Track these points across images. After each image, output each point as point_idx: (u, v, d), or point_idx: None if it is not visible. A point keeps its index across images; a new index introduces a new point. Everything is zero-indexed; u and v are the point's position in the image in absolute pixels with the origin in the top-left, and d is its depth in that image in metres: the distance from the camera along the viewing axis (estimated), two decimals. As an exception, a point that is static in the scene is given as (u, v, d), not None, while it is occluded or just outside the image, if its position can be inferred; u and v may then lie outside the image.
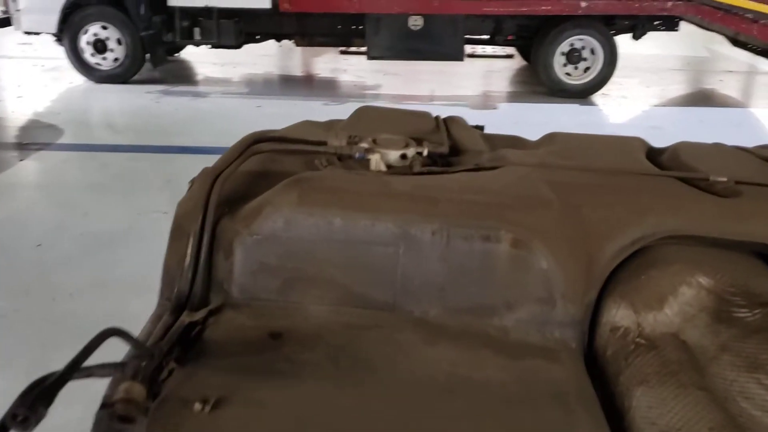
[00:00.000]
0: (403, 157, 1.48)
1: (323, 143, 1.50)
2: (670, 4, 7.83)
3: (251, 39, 8.74)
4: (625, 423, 1.02)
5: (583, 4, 7.83)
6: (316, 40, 8.89)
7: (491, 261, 1.18)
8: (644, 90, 9.04)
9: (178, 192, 5.17)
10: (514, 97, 8.78)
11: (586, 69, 8.23)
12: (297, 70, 10.55)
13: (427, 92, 8.77)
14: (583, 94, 8.32)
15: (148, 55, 8.22)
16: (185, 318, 1.14)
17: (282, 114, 7.26)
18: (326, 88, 9.26)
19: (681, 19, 8.22)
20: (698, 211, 1.30)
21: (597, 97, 8.40)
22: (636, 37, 8.49)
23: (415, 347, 1.12)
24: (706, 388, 1.02)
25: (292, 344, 1.12)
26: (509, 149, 1.56)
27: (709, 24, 8.28)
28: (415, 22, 7.93)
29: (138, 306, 3.58)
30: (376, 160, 1.44)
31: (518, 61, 10.25)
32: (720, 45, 9.97)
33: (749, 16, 7.85)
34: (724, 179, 1.35)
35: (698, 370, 1.06)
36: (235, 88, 8.85)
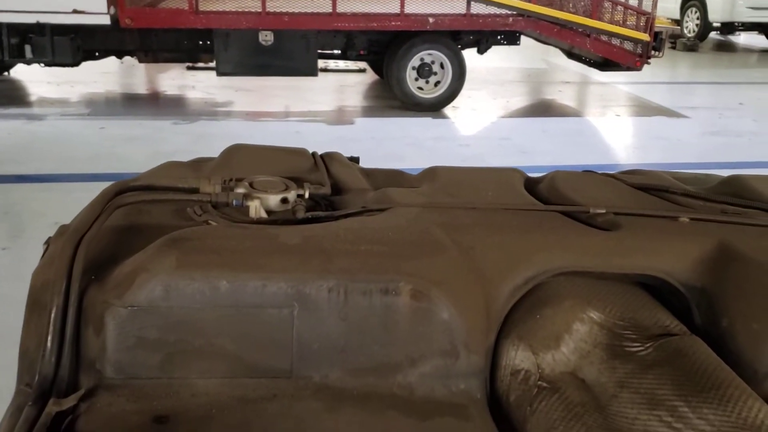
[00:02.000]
0: (284, 201, 1.37)
1: (195, 190, 1.36)
2: (510, 19, 8.19)
3: (90, 56, 8.21)
4: None
5: (431, 20, 8.03)
6: (161, 57, 8.50)
7: (392, 315, 1.12)
8: (491, 102, 9.42)
9: (17, 225, 4.68)
10: (369, 111, 8.85)
11: (437, 83, 8.45)
12: (142, 88, 10.04)
13: (281, 108, 8.63)
14: (435, 107, 8.52)
15: (-29, 75, 7.49)
16: (52, 407, 0.99)
17: (128, 136, 6.85)
18: (174, 106, 8.86)
19: (521, 33, 8.63)
20: (584, 247, 1.30)
21: (449, 110, 8.64)
22: (481, 52, 8.83)
23: (317, 417, 1.04)
24: (611, 428, 1.00)
25: (180, 428, 1.01)
26: (393, 188, 1.49)
27: (546, 38, 8.76)
28: (266, 38, 7.78)
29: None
30: (255, 207, 1.32)
31: (371, 76, 10.37)
32: (557, 57, 10.59)
33: (582, 30, 8.40)
34: (603, 211, 1.36)
35: (600, 410, 1.04)
36: (74, 108, 8.26)
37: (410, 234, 1.26)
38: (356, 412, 1.06)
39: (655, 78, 10.93)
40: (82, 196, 5.32)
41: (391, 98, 8.75)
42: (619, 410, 1.03)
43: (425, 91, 8.48)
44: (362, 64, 10.37)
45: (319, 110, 8.58)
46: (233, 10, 7.87)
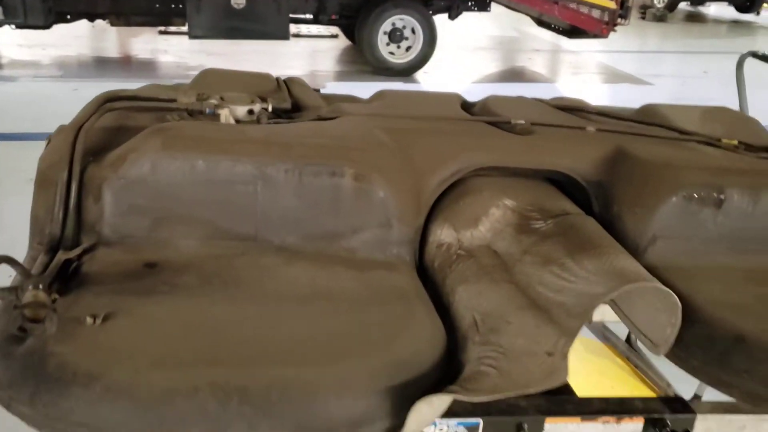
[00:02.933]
0: (250, 112, 1.57)
1: (173, 101, 1.55)
2: (480, -15, 8.33)
3: (61, 19, 8.19)
4: (451, 314, 1.21)
5: (403, -16, 8.13)
6: (133, 20, 8.50)
7: (338, 193, 1.34)
8: (463, 68, 9.56)
9: (3, 179, 4.76)
10: (341, 76, 8.95)
11: (408, 48, 8.57)
12: (114, 52, 10.03)
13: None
14: (407, 72, 8.65)
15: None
16: (61, 256, 1.19)
17: (101, 97, 6.91)
18: (146, 69, 8.90)
19: (492, 0, 8.76)
20: (502, 147, 1.55)
21: (420, 74, 8.77)
22: (452, 17, 8.95)
23: (277, 268, 1.26)
24: (512, 282, 1.24)
25: (167, 271, 1.22)
26: (345, 103, 1.70)
27: (516, 5, 8.92)
28: (238, 1, 7.83)
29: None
30: (225, 115, 1.53)
31: (343, 41, 10.44)
32: (528, 26, 10.74)
33: (551, -3, 8.56)
34: (522, 122, 1.58)
35: (506, 270, 1.28)
36: (46, 71, 8.27)
37: (356, 133, 1.50)
38: (309, 266, 1.28)
39: (624, 47, 11.14)
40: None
41: (363, 63, 8.86)
42: (521, 269, 1.26)
43: (396, 55, 8.59)
44: (335, 30, 10.43)
45: (291, 74, 8.63)
46: (206, -28, 7.89)
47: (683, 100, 6.84)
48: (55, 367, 0.97)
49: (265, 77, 1.91)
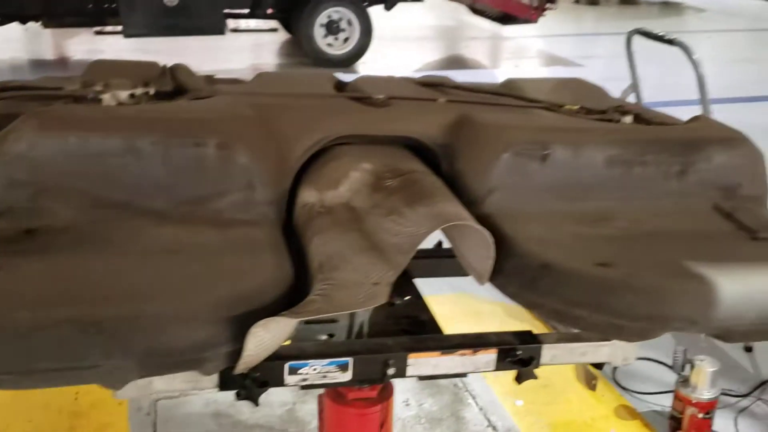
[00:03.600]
0: (132, 96, 1.69)
1: (60, 89, 1.67)
2: (413, -24, 8.48)
3: (-9, 22, 8.09)
4: (306, 261, 1.36)
5: (335, -23, 8.23)
6: (66, 21, 8.45)
7: (202, 162, 1.48)
8: (401, 57, 9.71)
9: None
10: (280, 68, 9.01)
11: (346, 39, 8.68)
12: (49, 54, 9.91)
13: (193, 68, 8.71)
14: (346, 63, 8.75)
15: None
16: None
17: (36, 99, 6.86)
18: (83, 71, 8.82)
19: (426, -11, 8.92)
20: (361, 118, 1.71)
21: (360, 65, 8.89)
22: (387, 8, 9.10)
23: (147, 228, 1.41)
24: (360, 230, 1.40)
25: (44, 236, 1.36)
26: (224, 85, 1.84)
27: (450, -6, 9.08)
28: (171, -2, 7.84)
29: None
30: (107, 99, 1.65)
31: (283, 35, 10.49)
32: (465, 14, 10.94)
33: (482, -15, 8.77)
34: (381, 96, 1.75)
35: (358, 221, 1.44)
36: (-22, 75, 8.16)
37: (223, 109, 1.63)
38: (177, 227, 1.43)
39: (560, 31, 11.44)
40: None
41: (302, 56, 8.94)
42: (370, 219, 1.43)
43: (335, 47, 8.70)
44: (274, 23, 10.49)
45: (232, 68, 8.69)
46: (137, -30, 7.88)
47: (609, 79, 7.05)
48: None
49: (151, 65, 2.05)
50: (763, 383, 2.92)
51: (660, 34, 3.05)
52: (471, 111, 1.75)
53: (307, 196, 1.53)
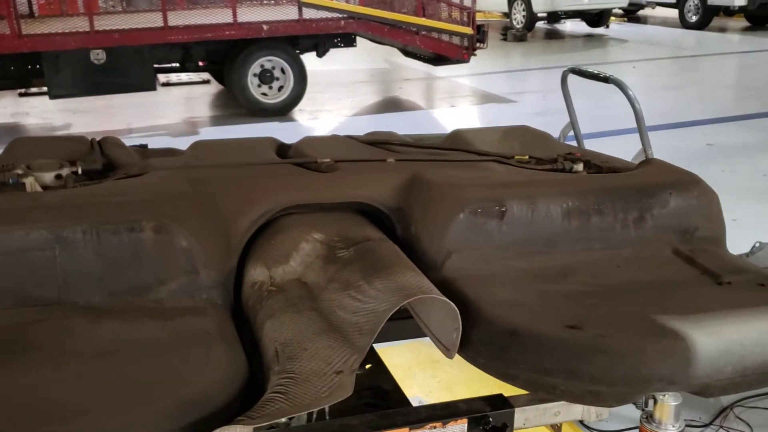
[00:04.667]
0: (58, 177, 1.57)
1: None
2: (343, 22, 8.52)
3: None
4: (260, 349, 1.26)
5: (265, 27, 8.21)
6: (-11, 84, 8.16)
7: (139, 247, 1.37)
8: (338, 103, 9.72)
9: None
10: (216, 120, 8.90)
11: (280, 88, 8.64)
12: (-30, 119, 9.55)
13: (124, 126, 8.51)
14: (281, 111, 8.71)
15: None
16: None
17: (-43, 167, 6.55)
18: (8, 134, 8.50)
19: (356, 35, 8.98)
20: (307, 186, 1.63)
21: (296, 113, 8.85)
22: (320, 55, 9.11)
23: (82, 328, 1.28)
24: (316, 309, 1.31)
25: None
26: (158, 158, 1.72)
27: (380, 38, 9.16)
28: (98, 56, 7.65)
29: None
30: (30, 183, 1.52)
31: (215, 86, 10.39)
32: (397, 57, 11.07)
33: (412, 29, 8.87)
34: (328, 160, 1.67)
35: (313, 299, 1.35)
36: None
37: (158, 188, 1.53)
38: (115, 322, 1.30)
39: (490, 69, 11.67)
40: None
41: (236, 106, 8.85)
42: (325, 297, 1.34)
43: (269, 96, 8.65)
44: (206, 75, 10.38)
45: (164, 124, 8.54)
46: (60, 31, 7.69)
47: (545, 114, 7.17)
48: None
49: (79, 140, 1.94)
50: (723, 410, 2.92)
51: (594, 72, 3.08)
52: (422, 170, 1.68)
53: (256, 273, 1.43)
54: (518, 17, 16.29)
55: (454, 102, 9.81)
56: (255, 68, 8.45)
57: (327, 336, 1.21)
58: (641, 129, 2.93)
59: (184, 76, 10.39)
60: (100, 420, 1.03)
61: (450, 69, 10.36)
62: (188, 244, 1.37)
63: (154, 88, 8.23)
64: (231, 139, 2.04)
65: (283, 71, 8.59)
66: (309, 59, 8.91)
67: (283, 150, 1.94)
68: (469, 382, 2.89)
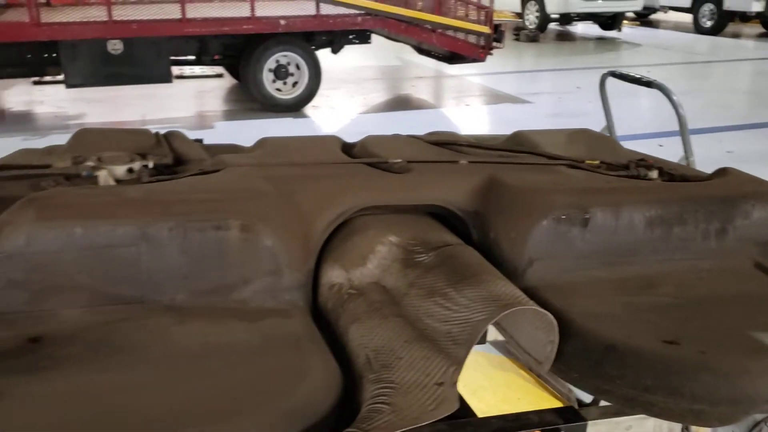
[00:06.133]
0: (130, 170, 1.54)
1: (48, 166, 1.50)
2: (360, 19, 8.51)
3: (-77, 75, 7.76)
4: (346, 354, 1.23)
5: (282, 22, 8.20)
6: (4, 72, 8.14)
7: (224, 246, 1.34)
8: (349, 99, 9.71)
9: None
10: (229, 115, 8.89)
11: (294, 83, 8.63)
12: (-15, 106, 9.57)
13: (137, 117, 8.51)
14: (294, 107, 8.70)
15: None
16: None
17: (-27, 155, 6.56)
18: (22, 122, 8.53)
19: (371, 32, 8.97)
20: (382, 187, 1.60)
21: (308, 109, 8.84)
22: (335, 51, 9.09)
23: (167, 329, 1.24)
24: (401, 315, 1.27)
25: (51, 344, 1.18)
26: (228, 155, 1.70)
27: (396, 35, 9.15)
28: (115, 47, 7.66)
29: None
30: (104, 176, 1.49)
31: (229, 80, 10.38)
32: (410, 54, 11.05)
33: (428, 26, 8.86)
34: (399, 160, 1.64)
35: (395, 304, 1.31)
36: None
37: (239, 185, 1.52)
38: (200, 323, 1.27)
39: (503, 68, 11.64)
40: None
41: (250, 101, 8.85)
42: (409, 302, 1.30)
43: (283, 92, 8.64)
44: (219, 69, 10.37)
45: (178, 116, 8.54)
46: (78, 20, 7.69)
47: (560, 116, 7.15)
48: None
49: (144, 133, 1.89)
50: (756, 424, 2.89)
51: (635, 75, 3.06)
52: (498, 172, 1.64)
53: (333, 275, 1.41)
54: (531, 17, 16.26)
55: (468, 101, 9.79)
56: (270, 63, 8.44)
57: (419, 345, 1.18)
58: (684, 135, 2.92)
59: (197, 69, 10.37)
60: (204, 429, 1.00)
61: (462, 68, 10.34)
62: (273, 244, 1.35)
63: (170, 81, 8.22)
64: (297, 137, 2.00)
65: (297, 67, 8.58)
66: (322, 55, 8.89)
67: (347, 149, 1.90)
68: (495, 387, 2.88)
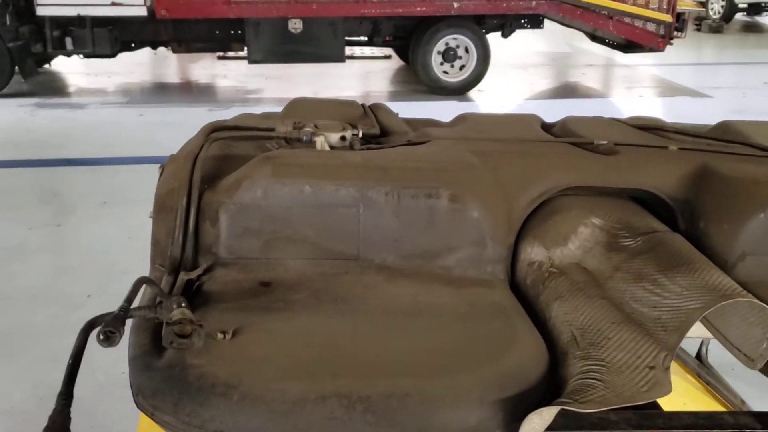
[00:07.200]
0: (343, 138, 1.65)
1: (272, 130, 1.64)
2: (534, 3, 8.36)
3: (126, 47, 8.54)
4: (548, 328, 1.25)
5: (455, 5, 8.22)
6: (194, 47, 8.81)
7: (434, 214, 1.40)
8: (516, 85, 9.58)
9: (69, 204, 5.09)
10: (396, 95, 9.07)
11: (462, 67, 8.65)
12: (175, 78, 10.37)
13: (310, 93, 8.89)
14: (460, 90, 8.72)
15: (17, 68, 7.86)
16: (184, 276, 1.29)
17: (167, 122, 7.15)
18: (207, 94, 9.18)
19: (545, 17, 8.78)
20: (588, 167, 1.58)
21: (474, 93, 8.83)
22: (505, 35, 9.00)
23: (380, 285, 1.33)
24: (606, 297, 1.27)
25: (280, 289, 1.30)
26: (431, 128, 1.76)
27: (570, 21, 8.90)
28: (295, 26, 8.04)
29: (42, 317, 3.48)
30: (321, 141, 1.61)
31: (396, 62, 10.58)
32: (580, 41, 10.71)
33: (605, 12, 8.53)
34: (605, 142, 1.62)
35: (599, 286, 1.31)
36: (113, 98, 8.60)
37: (447, 156, 1.56)
38: (409, 283, 1.34)
39: (679, 60, 10.99)
40: (128, 177, 5.60)
41: (416, 83, 8.97)
42: (613, 286, 1.29)
43: (450, 75, 8.68)
44: (387, 51, 10.59)
45: (348, 95, 8.82)
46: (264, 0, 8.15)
47: (745, 112, 6.69)
48: (196, 378, 1.05)
49: (352, 104, 1.99)
50: None
51: None
52: (710, 161, 1.59)
53: (534, 252, 1.43)
54: (716, 7, 15.18)
55: (642, 92, 9.35)
56: (440, 46, 8.51)
57: (627, 327, 1.18)
58: None
59: (366, 50, 10.65)
60: (428, 379, 1.06)
61: (635, 57, 9.87)
62: (479, 216, 1.39)
63: (343, 60, 8.52)
64: (495, 114, 2.04)
65: (466, 50, 8.58)
66: (490, 39, 8.82)
67: (547, 128, 1.91)
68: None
